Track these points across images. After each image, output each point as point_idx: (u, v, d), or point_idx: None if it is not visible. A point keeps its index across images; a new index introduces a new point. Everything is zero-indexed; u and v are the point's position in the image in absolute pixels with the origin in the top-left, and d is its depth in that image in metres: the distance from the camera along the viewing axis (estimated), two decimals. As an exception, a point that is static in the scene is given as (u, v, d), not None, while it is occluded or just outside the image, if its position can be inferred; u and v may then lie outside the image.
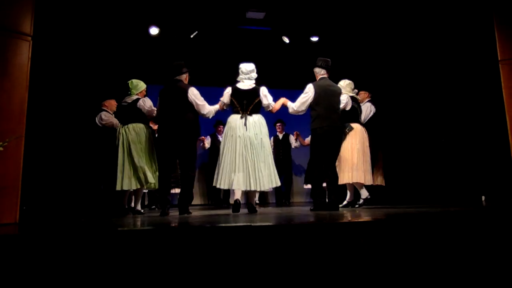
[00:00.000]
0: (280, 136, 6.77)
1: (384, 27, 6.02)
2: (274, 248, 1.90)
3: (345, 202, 4.44)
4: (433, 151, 5.90)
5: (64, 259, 1.74)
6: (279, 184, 3.68)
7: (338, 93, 3.88)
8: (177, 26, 6.25)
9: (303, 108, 3.80)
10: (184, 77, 3.80)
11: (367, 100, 4.84)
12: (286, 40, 6.63)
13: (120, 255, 1.79)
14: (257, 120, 3.66)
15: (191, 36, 6.33)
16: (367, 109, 4.69)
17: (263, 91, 3.75)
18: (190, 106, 3.64)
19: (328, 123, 3.69)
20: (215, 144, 6.58)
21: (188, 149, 3.60)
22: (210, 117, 3.82)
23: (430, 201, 4.91)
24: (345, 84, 4.38)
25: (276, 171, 3.68)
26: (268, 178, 3.55)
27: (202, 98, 3.71)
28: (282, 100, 3.90)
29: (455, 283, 1.96)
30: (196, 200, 7.37)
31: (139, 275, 1.76)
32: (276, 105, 3.84)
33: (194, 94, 3.65)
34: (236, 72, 3.93)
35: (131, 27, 6.01)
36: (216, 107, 3.83)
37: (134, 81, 4.02)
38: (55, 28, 5.26)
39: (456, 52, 5.66)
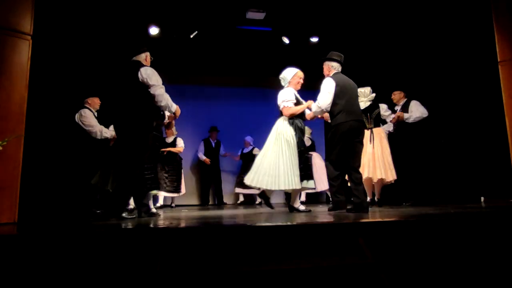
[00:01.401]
0: None
1: (384, 28, 6.02)
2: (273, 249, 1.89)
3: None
4: (432, 152, 5.90)
5: (63, 259, 1.74)
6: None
7: (356, 86, 3.66)
8: (177, 26, 6.25)
9: (328, 103, 3.46)
10: (143, 58, 3.24)
11: (405, 100, 4.84)
12: (286, 40, 6.63)
13: (120, 254, 1.79)
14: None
15: (191, 36, 6.33)
16: (415, 106, 4.70)
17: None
18: (141, 89, 3.00)
19: (353, 118, 3.42)
20: (209, 148, 6.82)
21: (131, 139, 2.98)
22: (163, 105, 3.08)
23: (429, 202, 4.91)
24: (367, 93, 4.49)
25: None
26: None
27: (157, 79, 3.06)
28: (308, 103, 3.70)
29: (455, 284, 1.96)
30: (191, 201, 7.35)
31: (141, 275, 1.76)
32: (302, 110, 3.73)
33: (147, 73, 3.02)
34: (236, 72, 3.89)
35: (131, 27, 6.01)
36: (174, 105, 3.22)
37: None
38: (55, 28, 5.26)
39: (455, 53, 5.66)
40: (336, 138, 3.43)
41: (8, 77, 2.93)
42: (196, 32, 6.30)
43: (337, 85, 3.47)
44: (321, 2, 5.56)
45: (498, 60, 3.69)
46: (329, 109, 3.48)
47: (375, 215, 2.88)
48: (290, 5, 5.69)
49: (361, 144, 3.51)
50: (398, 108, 4.85)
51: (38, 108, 4.72)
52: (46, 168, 5.21)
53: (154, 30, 6.12)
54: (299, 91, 3.86)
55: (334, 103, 3.46)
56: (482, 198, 5.18)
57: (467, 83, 5.59)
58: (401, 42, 6.16)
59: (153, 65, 3.32)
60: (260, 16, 5.92)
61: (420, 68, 6.13)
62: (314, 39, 6.62)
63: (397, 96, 4.86)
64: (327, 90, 3.46)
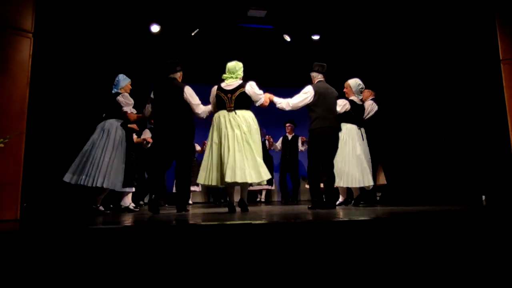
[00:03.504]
0: (289, 136, 6.78)
1: (386, 25, 6.01)
2: (267, 247, 1.90)
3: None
4: (433, 150, 5.90)
5: (65, 256, 1.75)
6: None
7: (335, 95, 3.96)
8: (178, 24, 6.24)
9: (300, 105, 3.82)
10: (179, 76, 3.76)
11: (370, 98, 4.83)
12: (288, 38, 6.62)
13: (122, 253, 1.80)
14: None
15: (192, 34, 6.33)
16: (369, 107, 4.68)
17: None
18: (186, 105, 3.59)
19: (328, 124, 3.77)
20: None
21: (185, 148, 3.56)
22: (204, 117, 3.73)
23: (430, 200, 4.91)
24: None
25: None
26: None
27: (197, 98, 3.66)
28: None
29: (455, 283, 1.96)
30: (198, 198, 7.39)
31: (140, 273, 1.77)
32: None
33: (189, 93, 3.60)
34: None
35: (132, 25, 6.01)
36: (209, 107, 3.73)
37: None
38: (56, 25, 5.26)
39: (457, 51, 5.65)
40: (313, 143, 3.79)
41: (9, 75, 2.93)
42: (197, 30, 6.30)
43: (315, 93, 3.79)
44: (322, 0, 5.55)
45: (501, 58, 3.68)
46: (295, 109, 3.86)
47: (366, 213, 2.89)
48: (291, 3, 5.69)
49: (334, 148, 3.86)
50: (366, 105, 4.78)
51: (39, 106, 4.74)
52: (47, 165, 5.22)
53: (155, 28, 6.12)
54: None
55: (311, 110, 3.82)
56: (483, 197, 5.18)
57: (469, 81, 5.58)
58: (403, 41, 6.15)
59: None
60: (261, 14, 5.92)
61: (421, 66, 6.11)
62: (316, 37, 6.62)
63: (366, 94, 4.81)
64: (303, 95, 3.82)
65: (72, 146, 5.34)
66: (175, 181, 4.07)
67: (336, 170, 3.94)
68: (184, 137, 3.54)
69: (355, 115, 4.36)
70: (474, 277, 1.97)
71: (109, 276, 1.74)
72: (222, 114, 3.53)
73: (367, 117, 4.62)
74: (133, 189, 4.34)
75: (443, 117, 5.90)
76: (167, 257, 1.81)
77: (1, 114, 2.80)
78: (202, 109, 3.66)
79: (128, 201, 4.20)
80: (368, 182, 4.19)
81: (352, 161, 4.18)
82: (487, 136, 5.28)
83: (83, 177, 3.61)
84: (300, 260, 1.89)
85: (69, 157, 3.87)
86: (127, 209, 4.11)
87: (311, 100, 3.79)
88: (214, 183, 3.46)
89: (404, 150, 5.89)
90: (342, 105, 4.21)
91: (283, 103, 3.85)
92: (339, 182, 4.15)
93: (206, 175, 3.48)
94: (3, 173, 2.79)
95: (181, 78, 3.82)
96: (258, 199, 7.04)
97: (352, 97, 4.41)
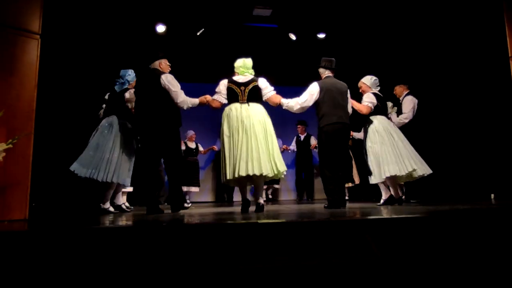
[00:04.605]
0: (302, 137, 6.93)
1: (392, 23, 5.96)
2: (283, 245, 1.90)
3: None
4: (442, 149, 5.83)
5: (73, 255, 1.76)
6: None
7: (345, 90, 3.80)
8: (184, 24, 6.26)
9: (310, 104, 3.71)
10: (159, 64, 3.52)
11: (406, 93, 4.78)
12: (293, 37, 6.60)
13: (125, 252, 1.81)
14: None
15: (198, 34, 6.34)
16: (410, 102, 4.61)
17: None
18: (165, 96, 3.32)
19: (336, 120, 3.64)
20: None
21: (169, 142, 3.32)
22: (185, 108, 3.42)
23: (439, 199, 4.86)
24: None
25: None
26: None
27: (178, 85, 3.38)
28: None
29: (462, 282, 1.94)
30: (207, 197, 7.42)
31: (144, 273, 1.78)
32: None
33: (168, 80, 3.33)
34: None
35: (138, 25, 6.03)
36: (195, 101, 3.47)
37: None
38: (63, 27, 5.30)
39: (465, 48, 5.58)
40: (323, 140, 3.68)
41: (18, 76, 2.97)
42: (203, 29, 6.30)
43: (321, 90, 3.69)
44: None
45: (509, 55, 3.64)
46: (305, 108, 3.74)
47: (382, 212, 2.87)
48: (297, 1, 5.66)
49: (345, 146, 3.74)
50: (401, 101, 4.80)
51: (47, 106, 4.79)
52: (55, 165, 5.27)
53: (161, 28, 6.15)
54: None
55: (318, 106, 3.71)
56: (492, 195, 5.12)
57: (477, 79, 5.50)
58: (410, 38, 6.09)
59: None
60: (266, 13, 5.91)
61: (428, 63, 6.05)
62: (321, 35, 6.58)
63: (399, 90, 4.82)
64: (308, 93, 3.73)
65: (80, 146, 5.39)
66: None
67: (379, 163, 3.74)
68: (166, 130, 3.31)
69: (381, 106, 4.14)
70: (482, 276, 1.95)
71: (114, 275, 1.76)
72: (234, 106, 3.38)
73: (410, 112, 4.54)
74: (131, 189, 4.35)
75: (451, 115, 5.83)
76: (166, 257, 1.82)
77: (10, 114, 2.83)
78: (183, 98, 3.37)
79: (122, 199, 4.16)
80: (425, 170, 3.83)
81: (399, 148, 3.84)
82: (496, 134, 5.21)
83: (93, 171, 3.59)
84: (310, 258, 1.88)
85: (77, 157, 3.89)
86: (119, 208, 4.02)
87: (316, 96, 3.68)
88: (243, 174, 3.15)
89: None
90: (368, 101, 3.97)
91: (291, 102, 3.72)
92: (381, 176, 3.80)
93: (231, 169, 3.23)
94: (12, 173, 2.82)
95: (167, 68, 3.58)
96: (266, 198, 7.07)
97: (373, 91, 4.20)
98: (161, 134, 3.29)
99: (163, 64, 3.56)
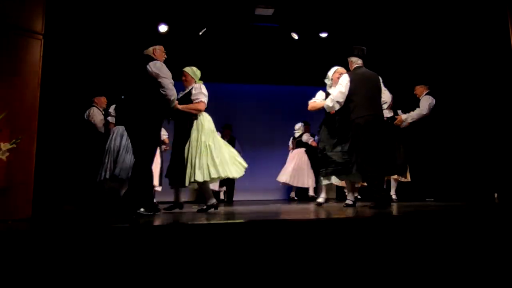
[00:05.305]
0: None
1: (395, 22, 5.93)
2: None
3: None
4: (444, 148, 5.80)
5: (76, 255, 1.77)
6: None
7: (377, 80, 3.60)
8: (186, 24, 6.26)
9: (342, 99, 3.49)
10: (152, 50, 3.24)
11: (426, 93, 4.99)
12: (295, 36, 6.59)
13: (127, 253, 1.81)
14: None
15: (200, 34, 6.34)
16: (427, 100, 4.85)
17: None
18: (152, 83, 3.01)
19: (370, 112, 3.41)
20: None
21: (138, 134, 2.99)
22: (171, 99, 3.12)
23: (442, 198, 4.84)
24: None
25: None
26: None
27: (168, 73, 3.07)
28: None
29: (464, 281, 1.93)
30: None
31: (148, 272, 1.78)
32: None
33: (156, 66, 3.03)
34: (242, 69, 3.88)
35: (140, 25, 6.04)
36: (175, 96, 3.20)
37: None
38: (66, 27, 5.32)
39: (469, 47, 5.55)
40: (356, 134, 3.43)
41: (21, 77, 2.97)
42: (205, 29, 6.30)
43: (351, 81, 3.49)
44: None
45: (512, 54, 3.61)
46: (342, 104, 3.51)
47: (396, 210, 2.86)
48: (299, 0, 5.65)
49: (380, 138, 3.42)
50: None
51: (50, 106, 4.80)
52: (59, 164, 5.29)
53: (163, 28, 6.15)
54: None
55: (349, 99, 3.49)
56: (496, 195, 5.09)
57: (480, 77, 5.47)
58: (411, 36, 6.07)
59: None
60: (268, 12, 5.90)
61: (431, 62, 6.03)
62: (324, 35, 6.57)
63: (420, 90, 5.02)
64: (341, 86, 3.52)
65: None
66: None
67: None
68: (138, 126, 3.00)
69: None
70: (484, 275, 1.94)
71: (114, 275, 1.76)
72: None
73: (428, 111, 4.71)
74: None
75: (454, 114, 5.80)
76: (166, 257, 1.82)
77: (12, 115, 2.84)
78: (171, 88, 3.09)
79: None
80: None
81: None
82: (499, 133, 5.18)
83: (117, 170, 3.92)
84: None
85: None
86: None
87: (349, 89, 3.46)
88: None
89: (416, 147, 5.80)
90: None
91: (328, 101, 3.54)
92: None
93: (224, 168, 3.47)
94: (15, 173, 2.83)
95: (162, 55, 3.30)
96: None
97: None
98: (136, 126, 3.02)
99: (158, 51, 3.27)
